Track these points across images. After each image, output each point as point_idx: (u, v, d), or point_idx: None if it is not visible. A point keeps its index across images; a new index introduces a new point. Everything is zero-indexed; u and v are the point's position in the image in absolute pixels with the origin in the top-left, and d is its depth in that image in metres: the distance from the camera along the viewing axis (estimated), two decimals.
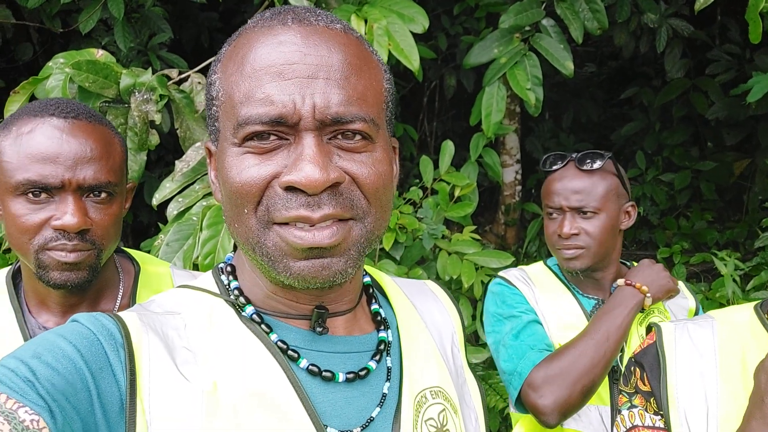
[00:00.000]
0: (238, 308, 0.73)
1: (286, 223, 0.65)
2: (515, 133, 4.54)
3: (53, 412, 0.59)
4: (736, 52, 4.47)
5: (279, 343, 0.70)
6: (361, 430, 0.70)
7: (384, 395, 0.73)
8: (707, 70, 4.49)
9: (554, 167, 1.58)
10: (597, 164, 1.52)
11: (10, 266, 1.17)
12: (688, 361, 0.97)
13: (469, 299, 2.53)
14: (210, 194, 1.96)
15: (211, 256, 1.76)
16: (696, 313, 1.64)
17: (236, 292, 0.73)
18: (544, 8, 2.53)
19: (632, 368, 1.05)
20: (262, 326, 0.71)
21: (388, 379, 0.75)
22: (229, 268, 0.77)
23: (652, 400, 1.00)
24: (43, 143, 1.01)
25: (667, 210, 4.67)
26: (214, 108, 0.70)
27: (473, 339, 2.87)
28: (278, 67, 0.64)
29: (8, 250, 2.47)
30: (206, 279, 0.77)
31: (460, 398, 0.81)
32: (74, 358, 0.63)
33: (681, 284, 1.70)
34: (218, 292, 0.74)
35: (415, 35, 2.10)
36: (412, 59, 1.95)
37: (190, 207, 1.94)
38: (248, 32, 0.69)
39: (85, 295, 1.12)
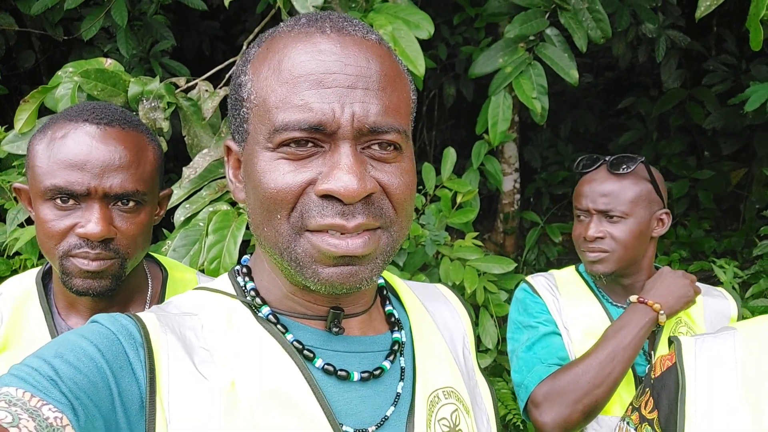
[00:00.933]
0: (255, 309, 0.74)
1: (319, 231, 0.66)
2: (514, 142, 4.57)
3: (76, 410, 0.60)
4: (732, 62, 4.52)
5: (295, 342, 0.72)
6: (376, 428, 0.72)
7: (398, 394, 0.75)
8: (703, 81, 4.54)
9: (586, 169, 1.56)
10: (628, 168, 1.50)
11: (40, 267, 1.18)
12: (708, 378, 0.93)
13: (471, 305, 2.55)
14: (217, 200, 1.98)
15: (217, 261, 1.77)
16: (738, 320, 1.61)
17: (252, 293, 0.75)
18: (548, 18, 2.56)
19: (645, 389, 1.04)
20: (278, 326, 0.73)
21: (401, 379, 0.76)
22: (245, 270, 0.78)
23: (645, 425, 1.00)
24: (73, 149, 1.01)
25: None
26: (244, 110, 0.70)
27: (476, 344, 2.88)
28: (318, 75, 0.65)
29: (13, 256, 2.47)
30: (223, 281, 0.79)
31: (472, 399, 0.83)
32: (95, 357, 0.64)
33: (721, 289, 1.67)
34: (235, 293, 0.76)
35: (419, 44, 2.12)
36: (417, 65, 1.98)
37: (197, 213, 1.96)
38: (283, 36, 0.69)
39: (114, 300, 1.12)
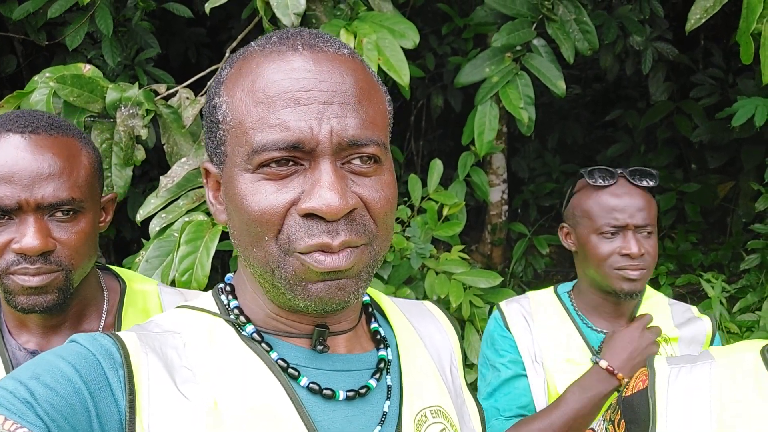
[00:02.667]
0: (238, 327, 0.73)
1: (308, 251, 0.66)
2: (502, 153, 4.56)
3: None
4: (720, 76, 4.54)
5: (279, 361, 0.71)
6: None
7: (384, 413, 0.73)
8: (691, 94, 4.55)
9: (607, 182, 1.45)
10: (651, 182, 1.45)
11: None
12: (681, 410, 0.89)
13: (457, 319, 2.50)
14: (193, 210, 1.93)
15: (189, 273, 1.73)
16: (712, 340, 1.57)
17: (236, 311, 0.74)
18: (535, 28, 2.54)
19: (617, 406, 1.01)
20: (262, 345, 0.71)
21: (388, 398, 0.75)
22: (228, 288, 0.77)
23: None
24: None
25: None
26: (220, 132, 0.70)
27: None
28: (293, 93, 0.65)
29: None
30: (206, 299, 0.77)
31: (460, 418, 0.81)
32: (73, 378, 0.63)
33: (692, 308, 1.62)
34: (218, 311, 0.74)
35: (403, 53, 2.09)
36: (402, 74, 1.95)
37: (173, 223, 1.91)
38: (255, 56, 0.69)
39: (67, 315, 1.07)
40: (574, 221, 1.52)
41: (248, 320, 0.73)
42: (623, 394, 1.00)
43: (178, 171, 1.97)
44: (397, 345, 0.81)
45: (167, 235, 1.86)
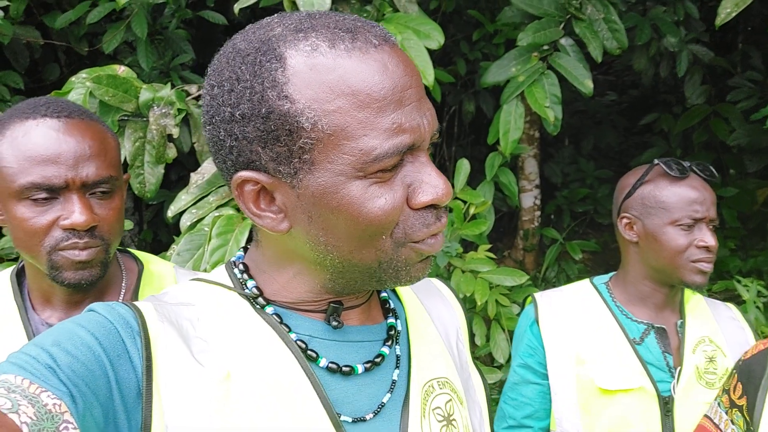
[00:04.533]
0: (252, 301, 0.74)
1: (423, 239, 0.70)
2: (534, 159, 4.53)
3: (74, 398, 0.60)
4: (759, 79, 4.44)
5: (299, 342, 0.72)
6: (374, 416, 0.72)
7: (394, 382, 0.75)
8: (728, 97, 4.46)
9: (683, 175, 1.43)
10: (713, 176, 1.46)
11: (13, 266, 1.18)
12: None
13: (483, 318, 2.50)
14: (223, 205, 1.98)
15: (220, 265, 1.77)
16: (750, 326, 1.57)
17: (255, 290, 0.74)
18: (562, 27, 2.53)
19: (733, 371, 1.01)
20: (283, 325, 0.72)
21: (397, 367, 0.76)
22: (241, 266, 0.77)
23: (735, 410, 0.95)
24: (42, 144, 1.01)
25: None
26: (303, 140, 0.64)
27: (488, 360, 2.82)
28: (397, 94, 0.65)
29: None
30: (219, 273, 0.78)
31: (466, 392, 0.82)
32: (93, 345, 0.65)
33: (735, 310, 1.61)
34: (232, 285, 0.75)
35: (434, 60, 2.11)
36: (426, 74, 1.96)
37: (203, 218, 1.96)
38: (326, 54, 0.64)
39: (89, 292, 1.12)
40: (644, 211, 1.48)
41: (268, 301, 0.74)
42: (741, 359, 1.00)
43: (207, 168, 2.02)
44: (406, 318, 0.83)
45: (198, 229, 1.91)
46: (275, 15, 0.72)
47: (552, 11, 2.54)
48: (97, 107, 2.08)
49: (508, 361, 2.45)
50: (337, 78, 0.63)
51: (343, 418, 0.70)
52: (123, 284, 1.18)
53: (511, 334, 2.43)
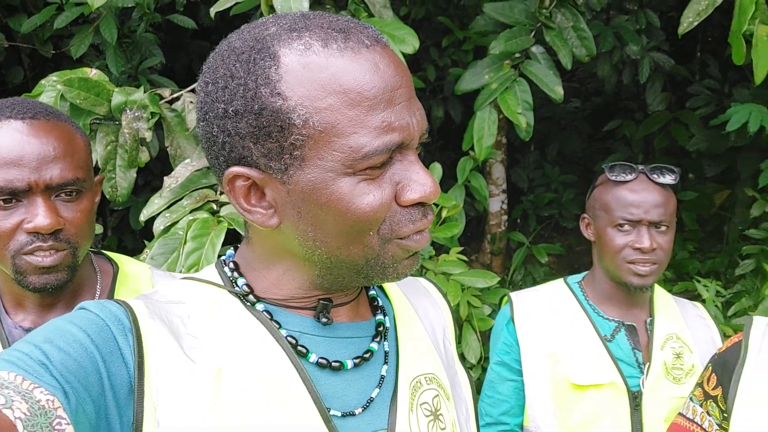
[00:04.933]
0: (243, 299, 0.74)
1: (408, 235, 0.71)
2: (502, 164, 4.61)
3: (67, 393, 0.61)
4: (716, 87, 4.60)
5: (289, 338, 0.73)
6: (363, 410, 0.74)
7: (382, 377, 0.77)
8: (688, 104, 4.61)
9: (626, 178, 1.51)
10: (671, 179, 1.50)
11: None
12: None
13: (455, 320, 2.53)
14: (197, 209, 1.97)
15: (195, 268, 1.76)
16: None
17: (246, 288, 0.75)
18: (533, 35, 2.60)
19: (708, 364, 1.05)
20: (273, 322, 0.73)
21: (386, 362, 0.78)
22: (232, 264, 0.78)
23: (710, 401, 0.98)
24: (5, 147, 1.00)
25: None
26: (294, 136, 0.66)
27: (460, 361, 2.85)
28: (387, 93, 0.66)
29: None
30: (209, 271, 0.79)
31: (452, 388, 0.84)
32: (85, 342, 0.65)
33: (702, 309, 1.67)
34: (222, 283, 0.76)
35: (403, 59, 2.14)
36: None
37: (177, 222, 1.95)
38: (318, 53, 0.66)
39: (62, 295, 1.11)
40: (594, 213, 1.57)
41: (258, 299, 0.75)
42: (717, 353, 1.04)
43: (182, 171, 2.01)
44: (394, 315, 0.84)
45: (172, 233, 1.90)
46: (270, 15, 0.74)
47: (523, 20, 2.60)
48: (68, 111, 2.05)
49: (480, 361, 2.49)
50: (329, 76, 0.65)
51: (332, 412, 0.71)
52: (98, 286, 1.17)
53: (482, 334, 2.47)
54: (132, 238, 4.47)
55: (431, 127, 5.15)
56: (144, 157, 2.10)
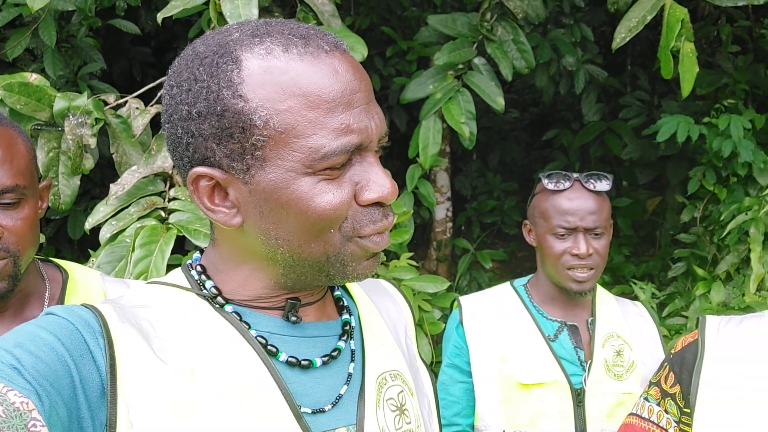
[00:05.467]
0: (212, 301, 0.75)
1: (369, 235, 0.72)
2: (446, 172, 4.70)
3: (41, 396, 0.61)
4: (646, 98, 4.84)
5: (259, 338, 0.74)
6: (332, 406, 0.76)
7: (350, 375, 0.79)
8: (620, 115, 4.83)
9: (562, 187, 1.57)
10: (605, 185, 1.56)
11: None
12: (728, 353, 0.95)
13: None
14: (145, 217, 1.94)
15: (144, 276, 1.73)
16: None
17: (213, 290, 0.76)
18: (475, 48, 2.68)
19: (664, 363, 1.08)
20: (243, 322, 0.74)
21: (352, 360, 0.80)
22: (199, 268, 0.78)
23: (668, 399, 1.02)
24: None
25: None
26: (255, 137, 0.68)
27: None
28: (346, 96, 0.68)
29: None
30: (175, 275, 0.79)
31: (416, 384, 0.86)
32: (55, 346, 0.65)
33: (642, 307, 1.74)
34: (189, 287, 0.76)
35: None
36: None
37: (124, 229, 1.91)
38: (280, 57, 0.68)
39: (9, 304, 1.09)
40: (534, 220, 1.64)
41: (227, 300, 0.75)
42: (671, 353, 1.07)
43: (128, 179, 1.98)
44: (359, 315, 0.86)
45: (119, 240, 1.86)
46: (234, 23, 0.76)
47: (465, 32, 2.69)
48: (7, 116, 1.99)
49: (431, 364, 2.53)
50: (289, 80, 0.67)
51: (303, 409, 0.73)
52: (47, 294, 1.14)
53: (433, 338, 2.52)
54: (70, 248, 4.32)
55: None
56: (88, 164, 2.05)
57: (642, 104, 4.79)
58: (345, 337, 0.80)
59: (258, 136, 0.68)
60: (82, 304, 0.71)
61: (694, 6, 4.31)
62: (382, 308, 0.91)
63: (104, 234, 1.93)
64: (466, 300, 1.68)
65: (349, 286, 0.90)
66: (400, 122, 4.88)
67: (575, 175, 1.58)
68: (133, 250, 1.82)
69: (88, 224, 1.98)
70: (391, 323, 0.90)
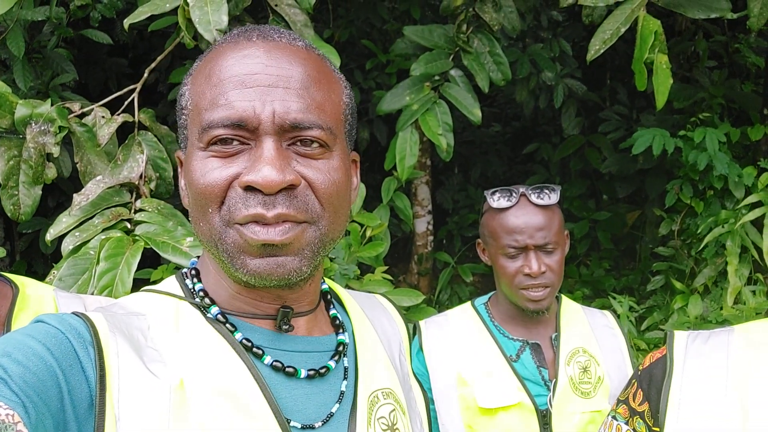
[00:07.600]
0: (203, 309, 0.75)
1: (246, 222, 0.69)
2: (427, 185, 4.68)
3: (27, 408, 0.60)
4: (624, 112, 4.87)
5: (244, 341, 0.73)
6: (322, 424, 0.74)
7: (342, 393, 0.78)
8: (599, 128, 4.85)
9: (508, 205, 1.49)
10: (553, 198, 1.48)
11: None
12: (697, 369, 0.93)
13: None
14: (110, 228, 1.88)
15: (109, 289, 1.67)
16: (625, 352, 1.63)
17: (201, 293, 0.76)
18: (452, 59, 2.66)
19: (632, 380, 1.04)
20: (227, 326, 0.74)
21: (345, 378, 0.79)
22: (193, 272, 0.79)
23: (636, 418, 0.99)
24: None
25: (568, 258, 4.90)
26: (184, 117, 0.75)
27: None
28: (241, 76, 0.70)
29: None
30: (170, 283, 0.79)
31: (408, 402, 0.85)
32: (44, 356, 0.64)
33: (611, 318, 1.67)
34: (183, 295, 0.76)
35: None
36: None
37: (88, 241, 1.85)
38: (217, 48, 0.75)
39: None
40: (485, 240, 1.57)
41: (213, 302, 0.75)
42: (639, 369, 1.04)
43: (93, 189, 1.92)
44: (353, 331, 0.85)
45: (83, 252, 1.80)
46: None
47: (442, 43, 2.67)
48: None
49: None
50: (206, 64, 0.74)
51: (292, 424, 0.72)
52: None
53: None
54: (42, 262, 4.23)
55: (357, 148, 5.18)
56: (51, 173, 1.99)
57: (621, 118, 4.82)
58: (336, 357, 0.79)
59: (184, 116, 0.75)
60: (74, 312, 0.70)
61: (671, 21, 4.35)
62: (376, 324, 0.91)
63: (67, 245, 1.87)
64: (425, 324, 1.61)
65: (345, 300, 0.90)
66: (380, 135, 4.86)
67: (521, 189, 1.50)
68: (98, 262, 1.77)
69: (50, 235, 1.92)
70: (386, 339, 0.90)
